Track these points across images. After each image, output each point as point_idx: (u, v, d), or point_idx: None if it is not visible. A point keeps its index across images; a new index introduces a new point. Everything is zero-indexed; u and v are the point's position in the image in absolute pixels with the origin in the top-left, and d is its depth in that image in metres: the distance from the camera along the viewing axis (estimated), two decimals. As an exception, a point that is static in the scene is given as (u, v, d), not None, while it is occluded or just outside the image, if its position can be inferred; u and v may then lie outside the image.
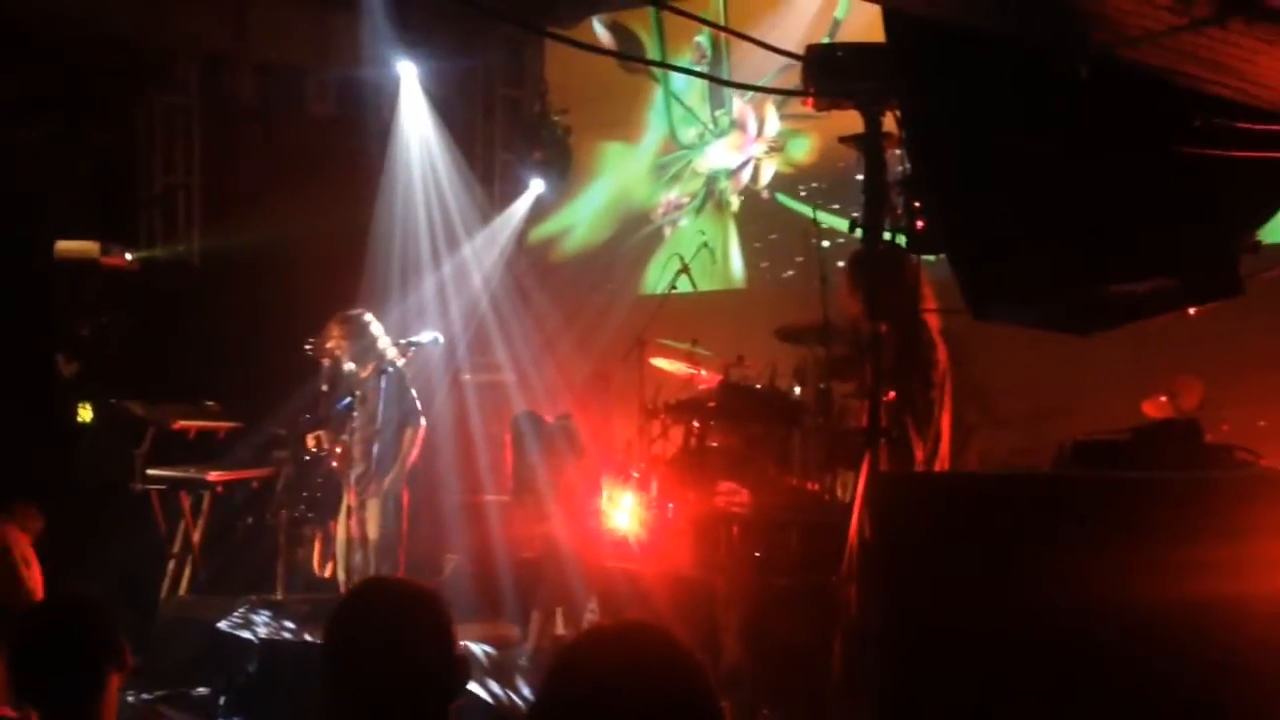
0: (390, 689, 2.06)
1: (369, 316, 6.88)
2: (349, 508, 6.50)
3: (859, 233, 4.36)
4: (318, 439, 6.94)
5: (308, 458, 7.21)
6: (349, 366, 6.79)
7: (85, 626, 2.83)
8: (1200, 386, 6.16)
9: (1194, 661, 2.79)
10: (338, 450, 6.84)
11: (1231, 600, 2.79)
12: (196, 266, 9.02)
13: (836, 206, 8.34)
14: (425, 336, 6.84)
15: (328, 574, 7.16)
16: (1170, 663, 2.82)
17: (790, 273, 8.96)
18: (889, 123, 4.12)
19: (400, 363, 6.75)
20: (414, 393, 6.84)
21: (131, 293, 8.27)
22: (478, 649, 6.12)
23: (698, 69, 9.63)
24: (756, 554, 5.79)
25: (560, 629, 6.80)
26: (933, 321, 5.09)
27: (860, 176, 4.31)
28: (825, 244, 7.05)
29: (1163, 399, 6.13)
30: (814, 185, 8.94)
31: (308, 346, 6.81)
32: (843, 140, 4.43)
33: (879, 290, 4.22)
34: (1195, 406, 6.06)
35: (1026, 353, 7.16)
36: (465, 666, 2.19)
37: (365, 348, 6.76)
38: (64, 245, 7.88)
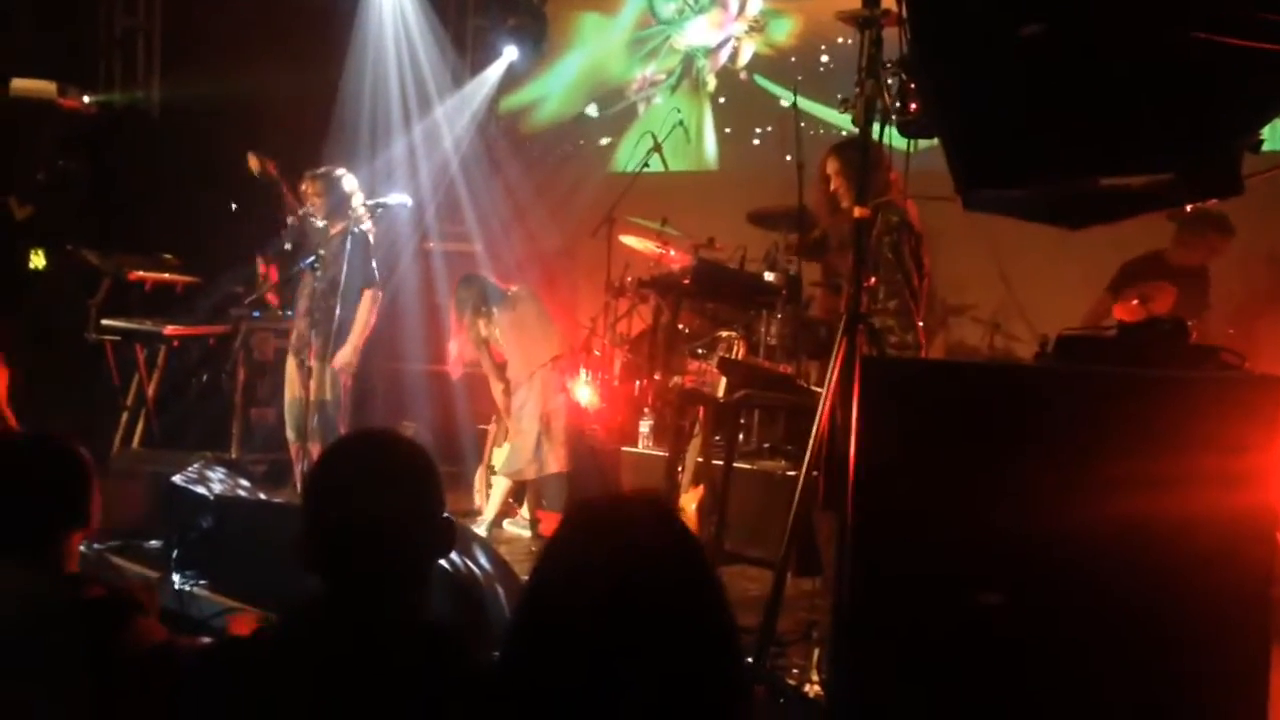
0: (377, 541, 1.97)
1: (342, 171, 6.69)
2: (309, 368, 6.39)
3: (847, 114, 4.26)
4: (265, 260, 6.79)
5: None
6: (319, 224, 6.62)
7: (58, 464, 2.73)
8: (1172, 291, 6.14)
9: (1172, 558, 2.78)
10: (273, 277, 6.71)
11: (1213, 504, 2.77)
12: (156, 116, 8.75)
13: (816, 92, 8.19)
14: (394, 199, 6.65)
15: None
16: (1146, 557, 2.81)
17: (765, 157, 8.83)
18: (888, -1, 4.00)
19: (366, 225, 6.58)
20: (374, 260, 6.70)
21: (89, 138, 8.01)
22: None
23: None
24: (717, 438, 5.77)
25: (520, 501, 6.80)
26: (913, 210, 5.02)
27: (842, 62, 4.19)
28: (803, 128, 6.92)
29: (1134, 302, 6.10)
30: (794, 69, 8.77)
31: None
32: (840, 16, 4.30)
33: (870, 174, 4.12)
34: (1167, 312, 6.04)
35: (994, 250, 7.15)
36: (451, 527, 2.11)
37: (337, 204, 6.57)
38: (20, 83, 7.58)
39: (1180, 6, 2.97)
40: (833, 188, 5.30)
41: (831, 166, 5.31)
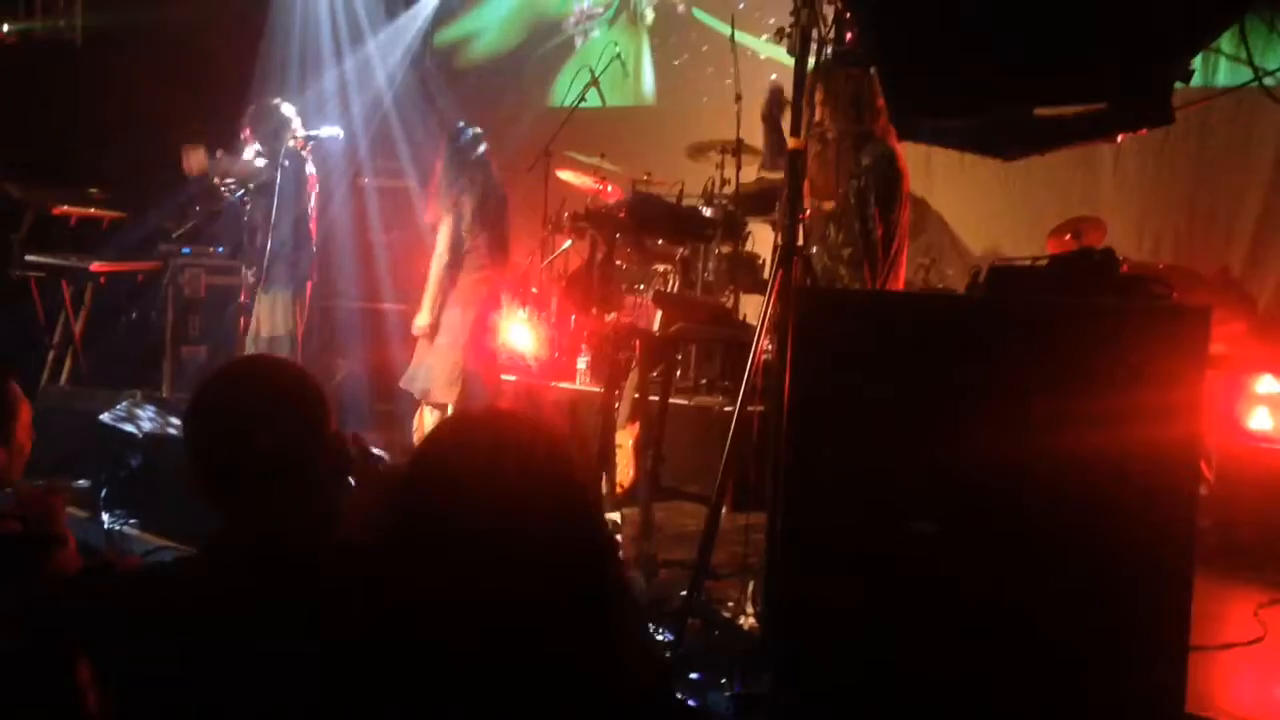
0: (258, 462, 1.96)
1: (278, 100, 6.51)
2: (258, 301, 6.27)
3: (783, 44, 4.22)
4: None
5: None
6: (251, 152, 6.44)
7: None
8: (1104, 226, 6.19)
9: (1099, 485, 2.80)
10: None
11: (1140, 433, 2.78)
12: (78, 45, 8.50)
13: (753, 25, 8.12)
14: (325, 131, 6.50)
15: None
16: (1075, 484, 2.82)
17: (703, 91, 8.75)
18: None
19: (293, 157, 6.40)
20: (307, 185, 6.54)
21: (8, 68, 7.77)
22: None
23: None
24: (655, 374, 5.75)
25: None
26: (899, 148, 4.87)
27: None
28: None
29: (1067, 237, 6.15)
30: (732, 2, 8.67)
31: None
32: (775, -57, 4.24)
33: (807, 104, 4.07)
34: (1099, 247, 6.09)
35: (929, 184, 7.17)
36: (342, 443, 2.08)
37: (273, 131, 6.37)
38: (-66, 12, 7.35)
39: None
40: (818, 117, 4.77)
41: (818, 94, 4.76)
